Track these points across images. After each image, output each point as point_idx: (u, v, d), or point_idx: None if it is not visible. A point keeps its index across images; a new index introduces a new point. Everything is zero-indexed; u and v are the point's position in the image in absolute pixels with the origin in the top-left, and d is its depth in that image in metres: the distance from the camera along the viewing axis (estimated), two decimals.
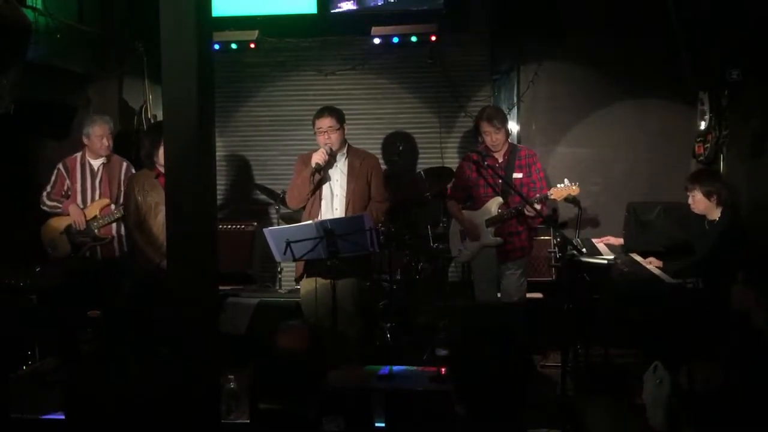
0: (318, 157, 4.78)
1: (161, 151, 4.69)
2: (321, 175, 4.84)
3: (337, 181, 4.93)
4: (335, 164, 4.94)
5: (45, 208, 5.62)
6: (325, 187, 4.93)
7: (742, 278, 4.96)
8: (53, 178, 5.64)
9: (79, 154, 5.68)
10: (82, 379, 3.75)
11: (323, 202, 4.91)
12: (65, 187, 5.63)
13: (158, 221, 4.77)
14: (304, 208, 5.00)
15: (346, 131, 4.96)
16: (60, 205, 5.58)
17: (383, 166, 6.75)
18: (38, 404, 4.22)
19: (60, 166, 5.66)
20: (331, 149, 4.83)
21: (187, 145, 2.57)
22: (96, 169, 5.64)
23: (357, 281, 4.91)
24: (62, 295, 5.43)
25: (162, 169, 4.74)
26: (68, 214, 5.54)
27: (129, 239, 5.07)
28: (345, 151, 4.97)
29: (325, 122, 4.86)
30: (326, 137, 4.85)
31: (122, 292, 5.24)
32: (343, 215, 4.83)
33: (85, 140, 5.63)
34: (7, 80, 4.75)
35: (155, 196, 4.78)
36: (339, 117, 4.90)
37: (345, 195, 4.91)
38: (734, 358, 4.13)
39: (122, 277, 5.44)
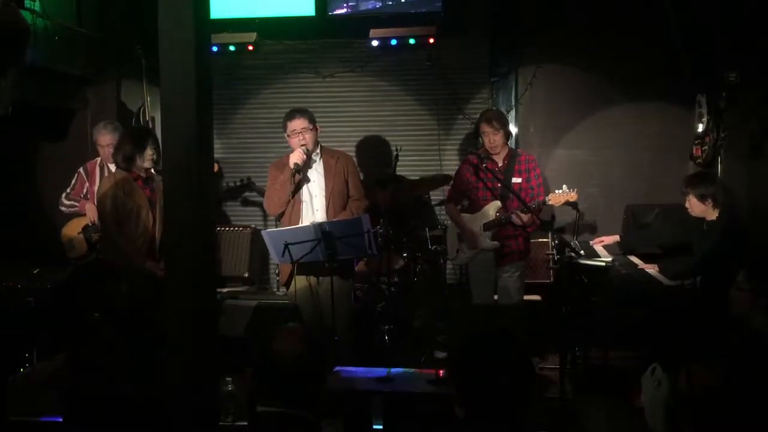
0: (296, 158, 4.71)
1: (146, 155, 4.72)
2: (301, 176, 4.77)
3: (314, 181, 4.87)
4: (312, 166, 4.88)
5: (63, 208, 5.75)
6: (303, 190, 4.86)
7: (741, 279, 4.97)
8: (73, 180, 5.76)
9: (99, 158, 5.79)
10: (81, 381, 3.75)
11: (303, 205, 4.85)
12: (84, 189, 5.74)
13: (141, 224, 4.75)
14: (282, 214, 4.91)
15: (319, 131, 4.90)
16: (77, 204, 5.70)
17: (382, 169, 6.78)
18: (37, 406, 4.21)
19: (81, 169, 5.78)
20: (307, 149, 4.77)
21: (185, 147, 2.57)
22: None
23: (341, 280, 4.85)
24: (62, 297, 5.43)
25: (140, 173, 4.76)
26: (85, 213, 5.63)
27: (106, 240, 5.00)
28: (319, 150, 4.92)
29: (298, 124, 4.79)
30: (301, 138, 4.77)
31: (121, 293, 5.23)
32: (324, 216, 4.79)
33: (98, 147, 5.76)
34: (5, 82, 4.75)
35: (136, 199, 4.76)
36: (310, 117, 4.85)
37: (324, 195, 4.85)
38: (733, 359, 4.13)
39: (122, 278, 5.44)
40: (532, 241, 5.66)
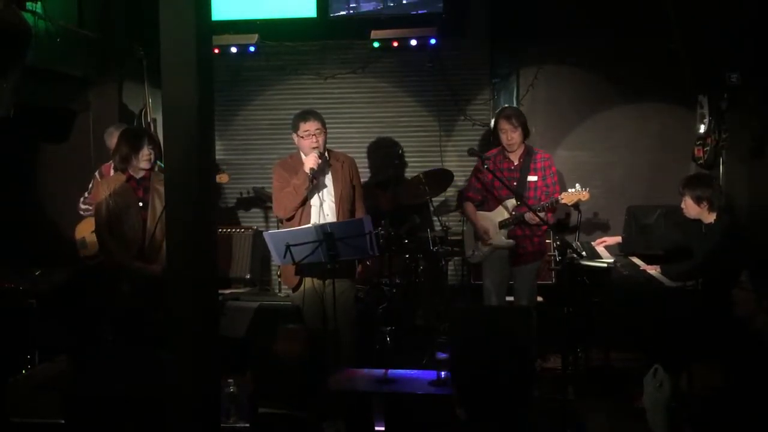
0: (312, 162, 4.63)
1: (141, 155, 4.73)
2: (317, 181, 4.72)
3: (323, 185, 4.82)
4: (326, 170, 4.84)
5: (81, 212, 5.80)
6: (313, 194, 4.80)
7: (743, 281, 4.96)
8: (90, 185, 5.76)
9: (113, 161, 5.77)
10: (82, 383, 3.75)
11: (312, 209, 4.79)
12: None
13: (131, 224, 4.76)
14: (291, 218, 4.85)
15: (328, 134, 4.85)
16: (91, 208, 5.68)
17: (383, 170, 6.79)
18: (38, 408, 4.21)
19: (96, 173, 5.77)
20: (320, 152, 4.71)
21: (186, 149, 2.57)
22: None
23: (347, 281, 4.85)
24: (63, 298, 5.43)
25: (134, 173, 4.77)
26: None
27: (99, 243, 5.03)
28: (326, 154, 4.86)
29: (313, 125, 4.73)
30: (314, 141, 4.71)
31: (123, 295, 5.24)
32: (335, 220, 4.75)
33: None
34: (7, 84, 4.75)
35: (126, 199, 4.77)
36: (323, 120, 4.80)
37: (334, 199, 4.82)
38: (734, 361, 4.13)
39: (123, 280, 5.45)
40: (546, 242, 5.66)
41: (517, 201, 5.12)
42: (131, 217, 4.75)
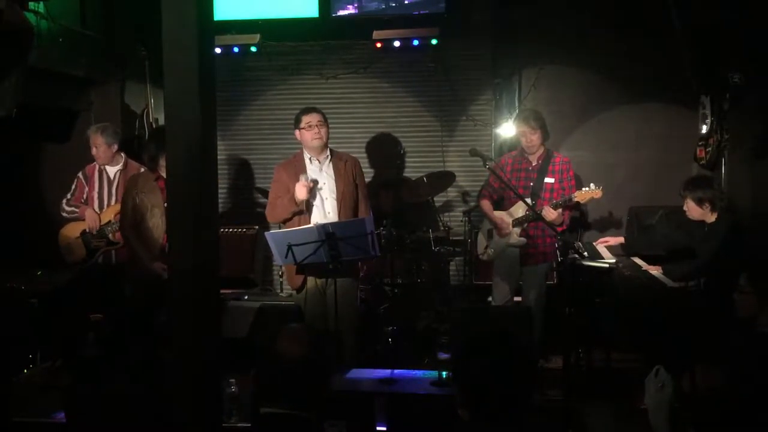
0: (301, 194, 4.67)
1: None
2: (304, 213, 4.76)
3: (325, 184, 4.85)
4: (321, 168, 4.88)
5: (64, 214, 5.73)
6: (314, 194, 4.82)
7: (743, 282, 4.96)
8: (73, 186, 5.75)
9: (96, 163, 5.75)
10: (83, 382, 3.76)
11: (314, 208, 4.83)
12: (84, 195, 5.72)
13: (154, 223, 4.77)
14: (289, 219, 4.87)
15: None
16: (77, 211, 5.68)
17: (385, 170, 6.79)
18: (40, 407, 4.22)
19: (80, 174, 5.76)
20: (314, 179, 4.76)
21: (188, 149, 2.57)
22: (112, 176, 5.71)
23: (349, 281, 4.86)
24: (65, 298, 5.44)
25: (162, 172, 4.76)
26: (84, 219, 5.60)
27: (124, 239, 5.06)
28: (328, 153, 4.91)
29: (315, 117, 4.80)
30: (316, 132, 4.78)
31: (124, 295, 5.24)
32: (336, 219, 4.77)
33: None
34: (9, 84, 4.76)
35: (152, 198, 4.78)
36: (324, 115, 4.88)
37: (336, 198, 4.84)
38: (737, 361, 4.13)
39: (125, 280, 5.45)
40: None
41: (524, 202, 5.11)
42: (155, 216, 4.75)
